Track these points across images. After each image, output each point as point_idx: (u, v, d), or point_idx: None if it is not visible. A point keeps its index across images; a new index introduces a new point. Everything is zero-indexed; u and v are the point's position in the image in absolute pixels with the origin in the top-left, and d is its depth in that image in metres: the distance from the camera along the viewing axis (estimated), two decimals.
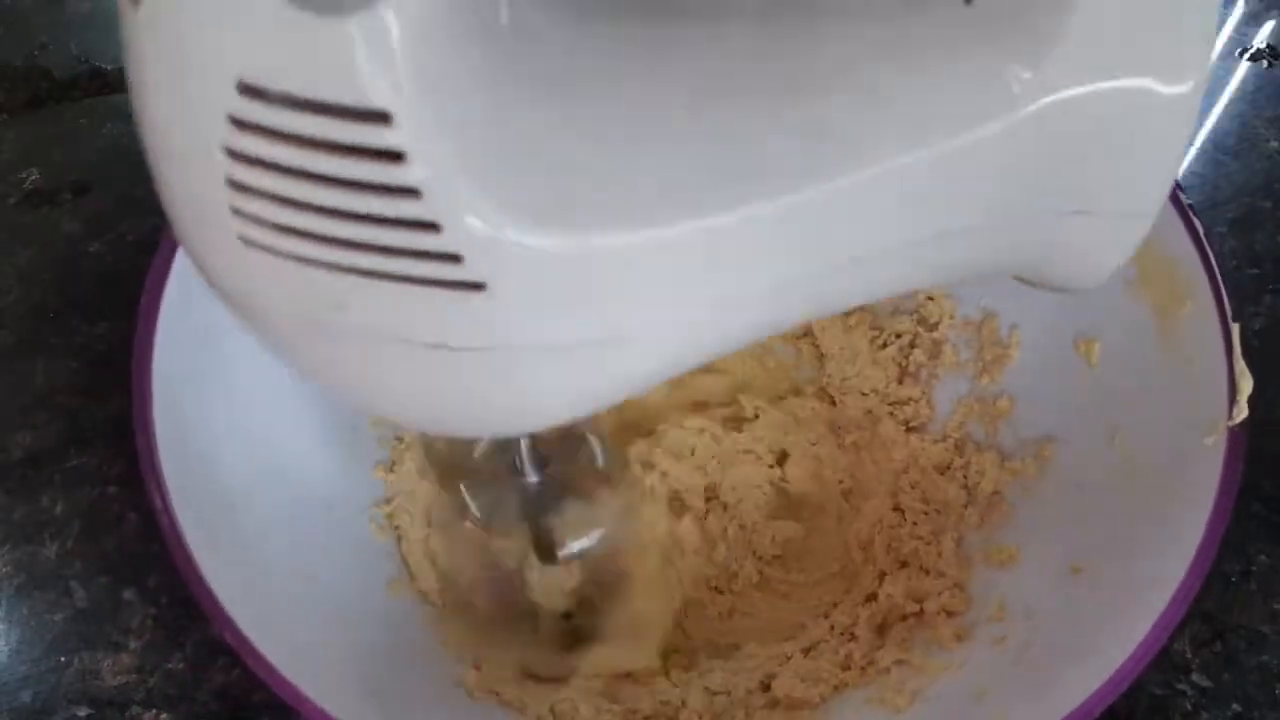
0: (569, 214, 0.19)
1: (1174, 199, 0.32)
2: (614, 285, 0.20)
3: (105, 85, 0.54)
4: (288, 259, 0.19)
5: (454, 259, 0.18)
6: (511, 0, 0.19)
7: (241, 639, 0.28)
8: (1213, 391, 0.31)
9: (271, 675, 0.28)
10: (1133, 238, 0.24)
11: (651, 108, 0.20)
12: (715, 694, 0.35)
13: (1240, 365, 0.31)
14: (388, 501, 0.39)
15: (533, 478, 0.34)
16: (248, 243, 0.19)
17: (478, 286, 0.19)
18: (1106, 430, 0.35)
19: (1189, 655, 0.38)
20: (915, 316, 0.42)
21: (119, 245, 0.48)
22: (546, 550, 0.36)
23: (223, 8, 0.17)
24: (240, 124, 0.17)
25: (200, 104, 0.18)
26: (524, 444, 0.33)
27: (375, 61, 0.17)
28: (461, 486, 0.36)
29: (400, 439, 0.40)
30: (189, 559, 0.29)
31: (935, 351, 0.41)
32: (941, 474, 0.40)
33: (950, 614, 0.36)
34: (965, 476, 0.39)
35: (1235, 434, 0.30)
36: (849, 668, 0.36)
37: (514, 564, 0.37)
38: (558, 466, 0.35)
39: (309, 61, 0.17)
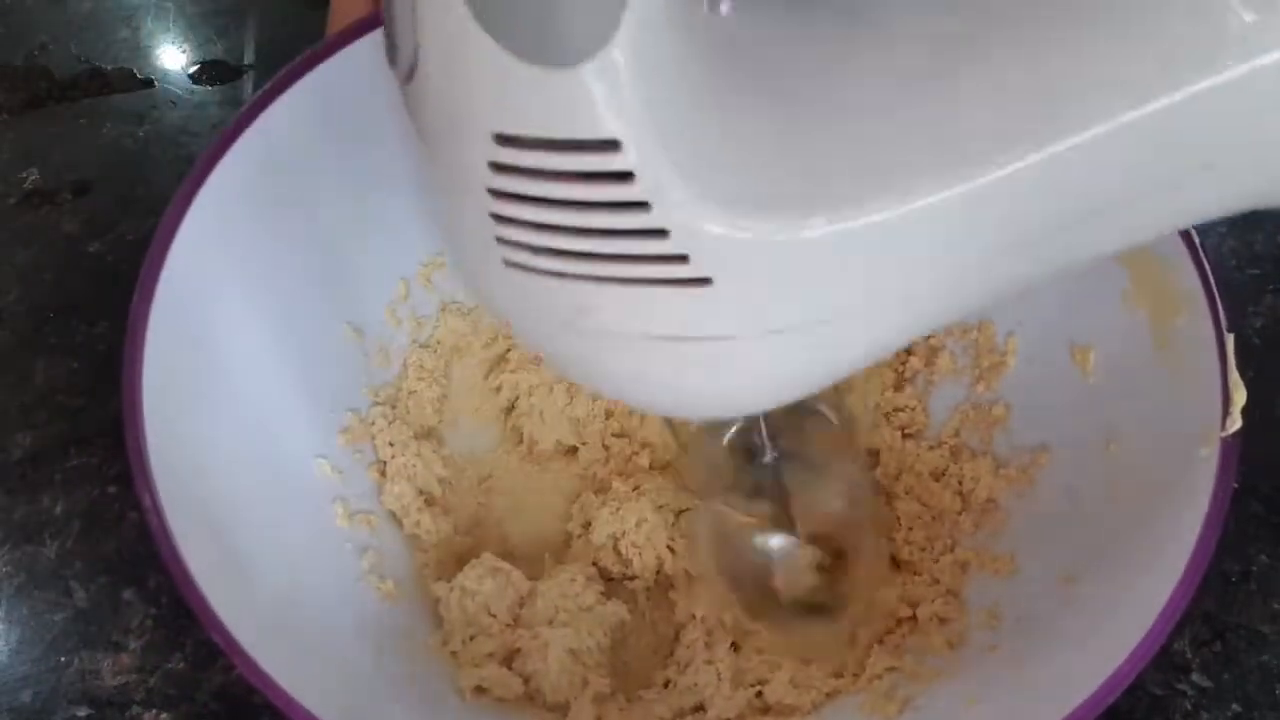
0: (781, 207, 0.21)
1: None
2: (829, 269, 0.22)
3: (105, 85, 0.54)
4: (541, 274, 0.22)
5: (681, 259, 0.21)
6: (715, 19, 0.21)
7: (232, 642, 0.28)
8: (1207, 402, 0.31)
9: (262, 679, 0.28)
10: None
11: (854, 95, 0.22)
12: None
13: (1234, 376, 0.31)
14: (382, 504, 0.39)
15: (769, 458, 0.36)
16: (509, 264, 0.22)
17: (704, 281, 0.21)
18: (1101, 439, 0.35)
19: (1189, 655, 0.38)
20: None
21: (119, 245, 0.48)
22: (788, 530, 0.38)
23: (475, 74, 0.20)
24: (498, 167, 0.21)
25: (465, 155, 0.21)
26: (760, 423, 0.35)
27: (600, 100, 0.19)
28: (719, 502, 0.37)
29: (392, 443, 0.40)
30: (179, 561, 0.29)
31: (931, 358, 0.41)
32: (936, 481, 0.40)
33: (943, 621, 0.36)
34: (960, 484, 0.39)
35: (1228, 444, 0.30)
36: (841, 675, 0.36)
37: (761, 549, 0.38)
38: (795, 441, 0.37)
39: (546, 108, 0.20)
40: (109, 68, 0.54)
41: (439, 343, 0.43)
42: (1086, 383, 0.36)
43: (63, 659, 0.38)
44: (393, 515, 0.39)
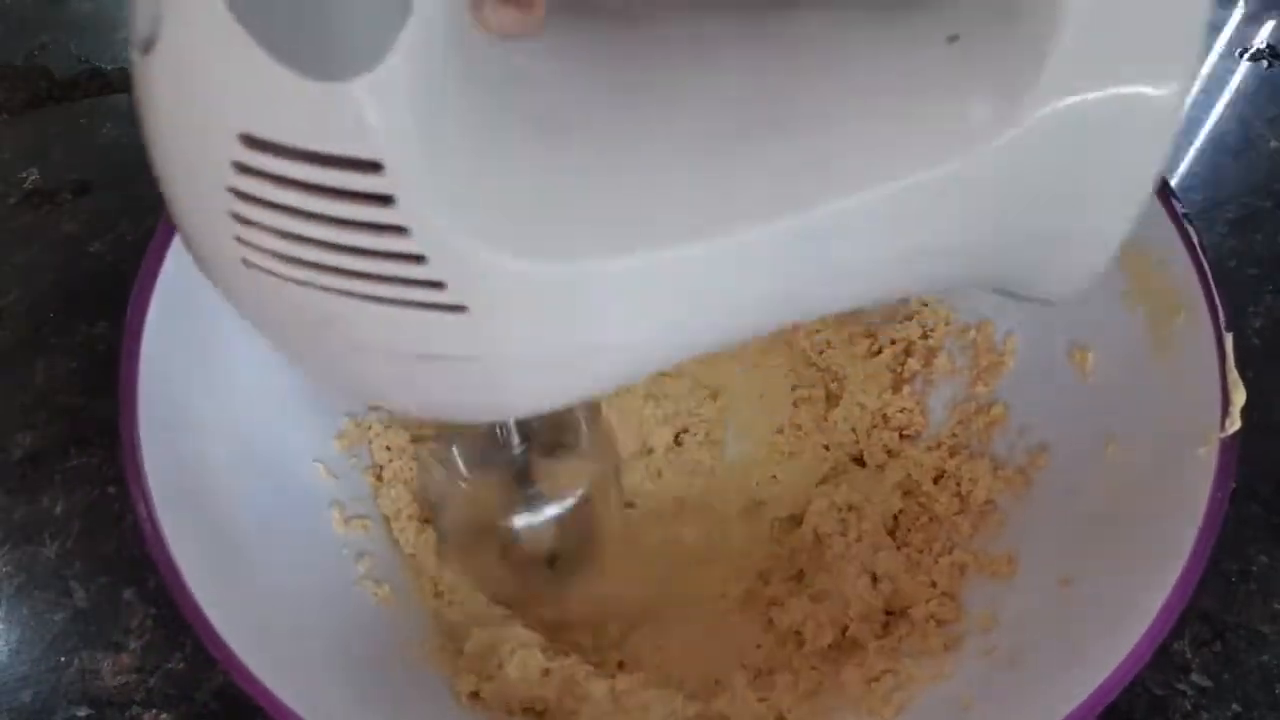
0: (545, 244, 0.21)
1: (1169, 207, 0.32)
2: (586, 306, 0.22)
3: (105, 85, 0.54)
4: (284, 280, 0.21)
5: (437, 285, 0.20)
6: (502, 51, 0.21)
7: (224, 649, 0.28)
8: (1205, 402, 0.31)
9: (254, 686, 0.28)
10: (1111, 248, 0.24)
11: (634, 146, 0.22)
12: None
13: (1233, 376, 0.31)
14: (379, 508, 0.39)
15: (516, 449, 0.36)
16: (249, 264, 0.21)
17: (459, 309, 0.21)
18: (1099, 440, 0.35)
19: (1189, 655, 0.38)
20: (911, 323, 0.42)
21: (119, 245, 0.48)
22: (529, 506, 0.38)
23: (226, 68, 0.18)
24: (243, 168, 0.19)
25: (205, 148, 0.19)
26: (510, 422, 0.35)
27: (369, 118, 0.18)
28: (453, 448, 0.38)
29: (389, 447, 0.40)
30: (172, 567, 0.29)
31: (930, 358, 0.41)
32: (934, 482, 0.40)
33: (940, 623, 0.36)
34: (958, 484, 0.39)
35: (1227, 445, 0.30)
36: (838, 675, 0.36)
37: (500, 518, 0.38)
38: (542, 436, 0.37)
39: (303, 119, 0.18)
40: (109, 68, 0.54)
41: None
42: (1085, 383, 0.36)
43: (63, 659, 0.38)
44: (387, 520, 0.39)
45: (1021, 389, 0.39)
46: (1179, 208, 0.32)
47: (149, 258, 0.32)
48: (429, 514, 0.40)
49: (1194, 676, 0.37)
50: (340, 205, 0.19)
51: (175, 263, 0.32)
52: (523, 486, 0.38)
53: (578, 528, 0.39)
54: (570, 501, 0.38)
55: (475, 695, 0.35)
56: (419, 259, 0.20)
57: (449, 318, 0.21)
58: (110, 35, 0.56)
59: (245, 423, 0.35)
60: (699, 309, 0.23)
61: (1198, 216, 0.32)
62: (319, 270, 0.20)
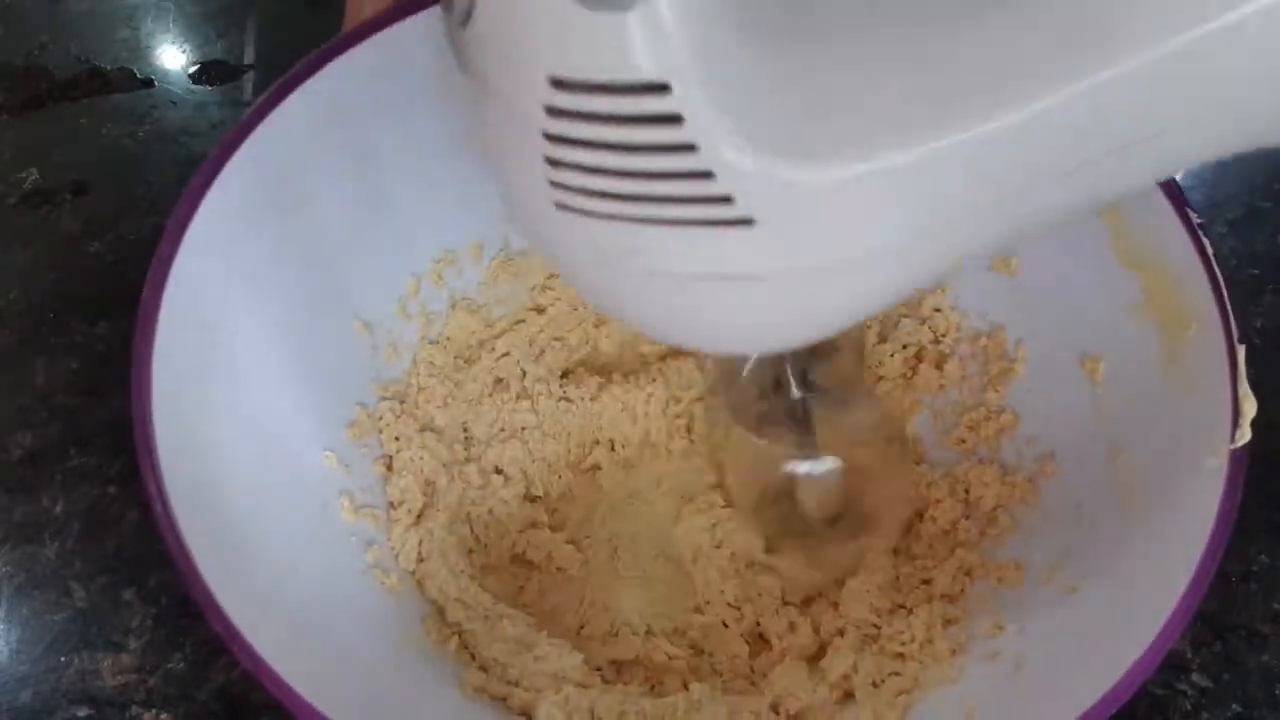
0: (823, 148, 0.22)
1: (1183, 218, 0.32)
2: (868, 208, 0.22)
3: (105, 85, 0.54)
4: (592, 217, 0.23)
5: (725, 200, 0.22)
6: None
7: (236, 636, 0.28)
8: (1216, 413, 0.31)
9: (263, 670, 0.28)
10: None
11: (889, 35, 0.22)
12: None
13: (1244, 388, 0.30)
14: (393, 505, 0.39)
15: (795, 393, 0.36)
16: (561, 207, 0.23)
17: (747, 222, 0.22)
18: (1109, 449, 0.34)
19: (1189, 655, 0.38)
20: (923, 328, 0.42)
21: (119, 245, 0.48)
22: (815, 459, 0.39)
23: (532, 19, 0.21)
24: (553, 111, 0.21)
25: (520, 98, 0.22)
26: (787, 362, 0.35)
27: (650, 44, 0.20)
28: (735, 404, 0.38)
29: (399, 437, 0.40)
30: (184, 550, 0.29)
31: (940, 364, 0.41)
32: (942, 487, 0.40)
33: (946, 626, 0.36)
34: (967, 491, 0.39)
35: (1237, 456, 0.30)
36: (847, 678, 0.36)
37: (779, 468, 0.39)
38: (821, 375, 0.37)
39: (599, 53, 0.20)
40: (109, 68, 0.54)
41: (449, 339, 0.43)
42: (1095, 392, 0.36)
43: (63, 659, 0.38)
44: (392, 507, 0.39)
45: (1032, 397, 0.39)
46: (1194, 218, 0.32)
47: (163, 246, 0.32)
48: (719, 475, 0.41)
49: (1194, 676, 0.37)
50: (636, 131, 0.21)
51: (188, 253, 0.32)
52: (802, 438, 0.38)
53: (862, 488, 0.39)
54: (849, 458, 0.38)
55: (481, 688, 0.35)
56: (707, 175, 0.21)
57: (739, 233, 0.22)
58: (110, 35, 0.56)
59: (256, 412, 0.35)
60: (980, 198, 0.23)
61: (1199, 216, 0.32)
62: (620, 200, 0.22)
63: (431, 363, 0.42)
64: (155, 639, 0.38)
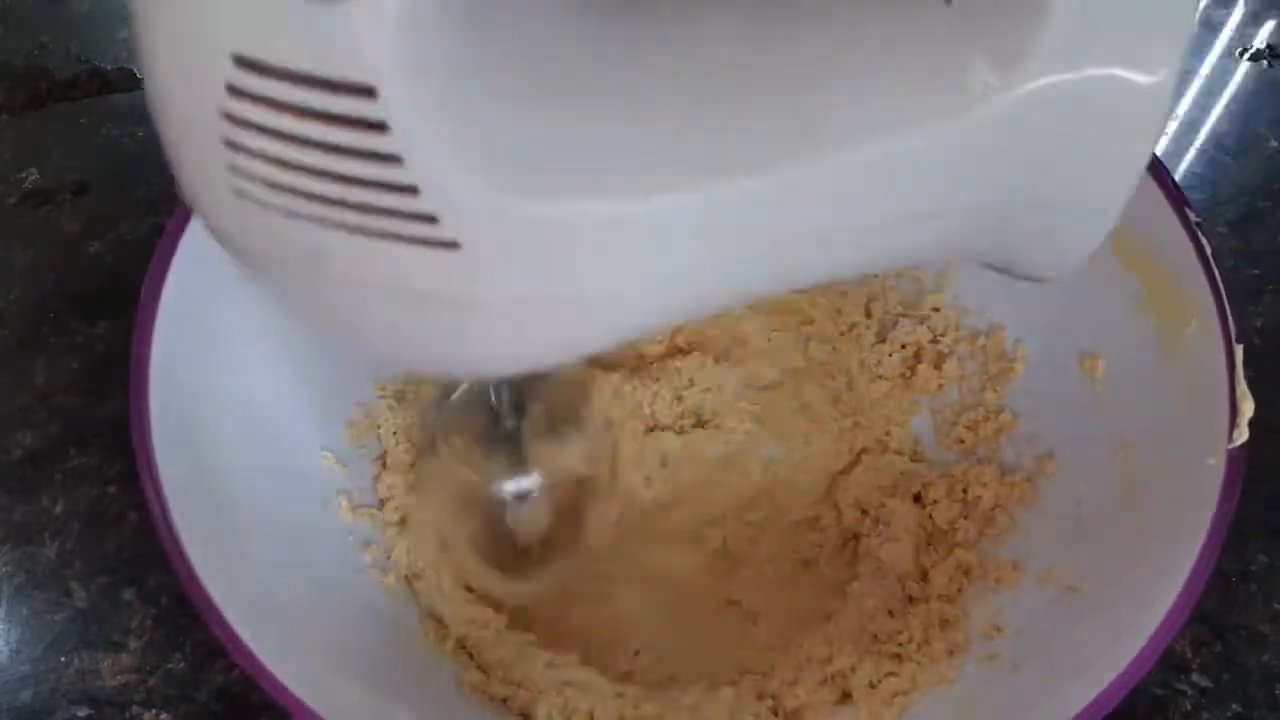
0: (539, 182, 0.20)
1: (1182, 218, 0.32)
2: (579, 249, 0.22)
3: (105, 85, 0.54)
4: (277, 211, 0.21)
5: (430, 219, 0.20)
6: None
7: (234, 638, 0.28)
8: (1214, 412, 0.31)
9: (263, 674, 0.28)
10: (1100, 230, 0.24)
11: (628, 88, 0.22)
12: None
13: (1242, 387, 0.31)
14: (382, 502, 0.39)
15: (509, 422, 0.36)
16: (240, 194, 0.21)
17: (452, 245, 0.20)
18: (1107, 448, 0.35)
19: (1189, 655, 0.38)
20: (922, 327, 0.42)
21: (119, 245, 0.48)
22: (522, 488, 0.38)
23: None
24: (236, 91, 0.19)
25: (199, 71, 0.19)
26: (503, 389, 0.34)
27: (361, 41, 0.18)
28: (448, 416, 0.37)
29: (395, 432, 0.40)
30: (182, 556, 0.29)
31: (939, 363, 0.41)
32: (941, 487, 0.40)
33: (943, 627, 0.36)
34: (965, 491, 0.39)
35: (1235, 455, 0.30)
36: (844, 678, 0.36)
37: (489, 496, 0.38)
38: (534, 408, 0.36)
39: (300, 40, 0.18)
40: (109, 68, 0.54)
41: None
42: (1094, 391, 0.36)
43: (63, 659, 0.38)
44: (381, 504, 0.39)
45: (1031, 396, 0.39)
46: (1192, 217, 0.32)
47: (162, 245, 0.32)
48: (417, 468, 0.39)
49: (1194, 676, 0.37)
50: (333, 131, 0.19)
51: (187, 252, 0.32)
52: (514, 465, 0.37)
53: (568, 515, 0.39)
54: (559, 485, 0.38)
55: (480, 688, 0.35)
56: (411, 190, 0.20)
57: (441, 254, 0.20)
58: (110, 35, 0.56)
59: (254, 411, 0.35)
60: (686, 264, 0.23)
61: (1197, 216, 0.32)
62: (310, 200, 0.20)
63: None
64: (155, 639, 0.38)
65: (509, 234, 0.21)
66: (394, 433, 0.40)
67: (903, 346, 0.42)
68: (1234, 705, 0.37)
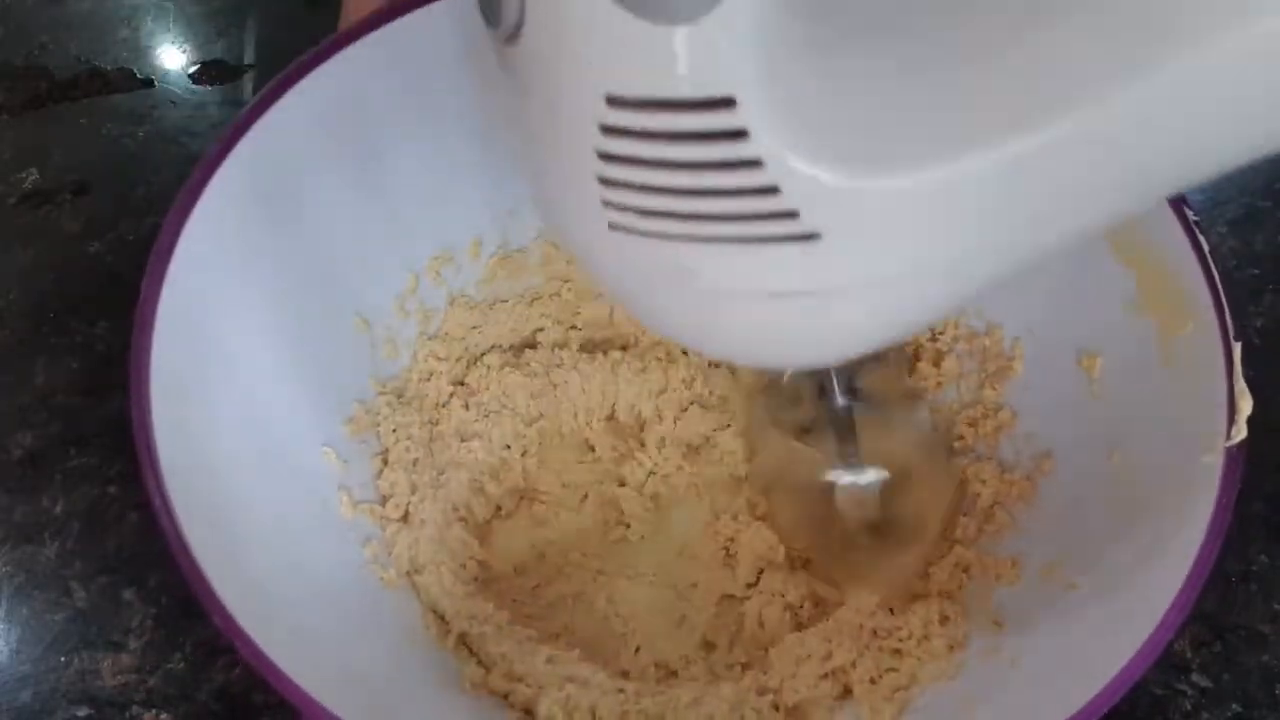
0: (888, 159, 0.21)
1: (1180, 215, 0.32)
2: (932, 218, 0.22)
3: (105, 85, 0.54)
4: (648, 237, 0.22)
5: (791, 215, 0.21)
6: None
7: (241, 635, 0.28)
8: (1212, 410, 0.31)
9: (264, 664, 0.28)
10: None
11: (956, 42, 0.22)
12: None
13: (1240, 385, 0.31)
14: (384, 499, 0.39)
15: (840, 400, 0.36)
16: (614, 227, 0.22)
17: (812, 236, 0.21)
18: (1106, 446, 0.34)
19: (1189, 655, 0.38)
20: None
21: (119, 245, 0.48)
22: (856, 467, 0.39)
23: (590, 34, 0.20)
24: (609, 130, 0.21)
25: (574, 118, 0.21)
26: (833, 370, 0.35)
27: (717, 56, 0.19)
28: (777, 404, 0.39)
29: (396, 429, 0.40)
30: (186, 552, 0.29)
31: (938, 361, 0.41)
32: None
33: (944, 622, 0.36)
34: (964, 487, 0.39)
35: (1233, 454, 0.30)
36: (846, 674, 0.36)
37: (820, 475, 0.39)
38: (866, 384, 0.37)
39: (660, 68, 0.20)
40: (109, 68, 0.54)
41: (447, 334, 0.43)
42: (1093, 389, 0.36)
43: (63, 659, 0.38)
44: (383, 500, 0.39)
45: (1029, 395, 0.39)
46: (1190, 215, 0.32)
47: (160, 244, 0.32)
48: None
49: (1194, 676, 0.37)
50: (698, 148, 0.20)
51: (186, 250, 0.32)
52: (844, 446, 0.37)
53: (906, 499, 0.39)
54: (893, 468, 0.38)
55: (482, 684, 0.35)
56: (772, 190, 0.21)
57: (803, 249, 0.21)
58: (110, 35, 0.56)
59: (255, 408, 0.35)
60: (1009, 222, 0.23)
61: (1197, 216, 0.32)
62: (679, 219, 0.22)
63: (433, 355, 0.42)
64: (155, 639, 0.38)
65: (864, 215, 0.21)
66: (394, 430, 0.40)
67: (901, 345, 0.42)
68: (1234, 705, 0.37)
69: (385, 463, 0.40)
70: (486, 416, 0.42)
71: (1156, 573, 0.30)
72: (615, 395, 0.43)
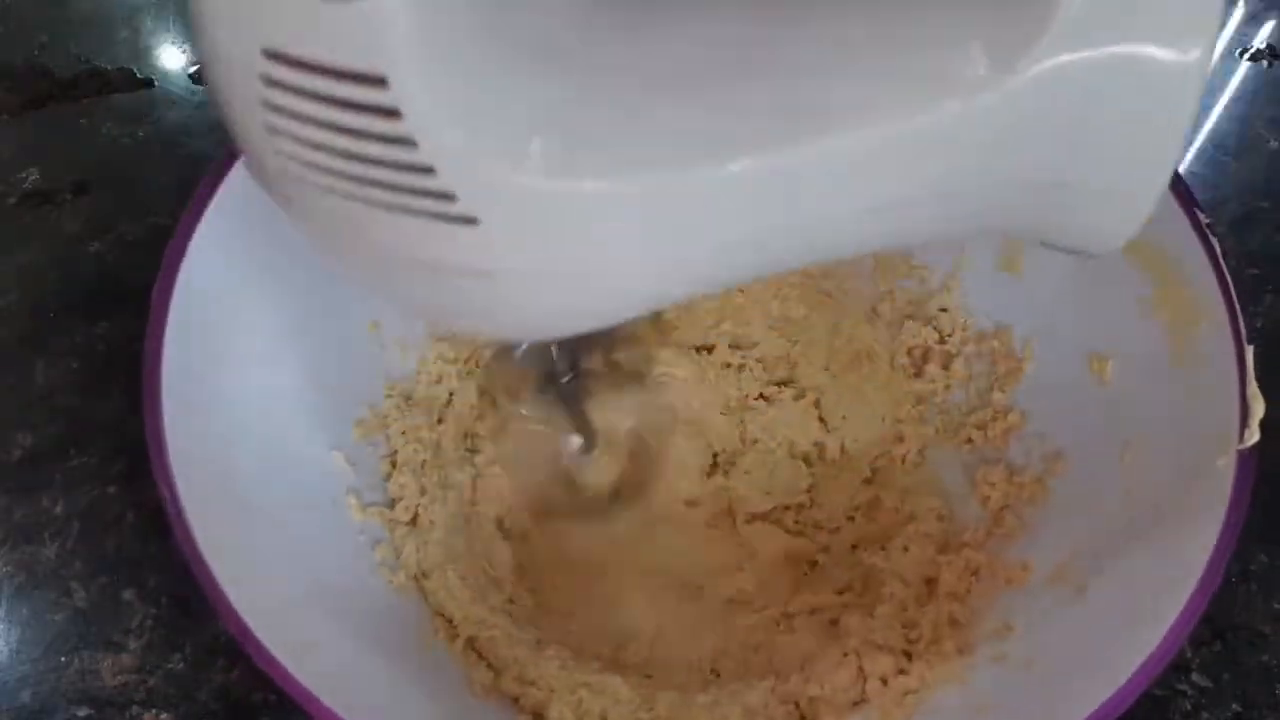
0: (548, 159, 0.22)
1: (1192, 218, 0.32)
2: (588, 225, 0.23)
3: (105, 85, 0.54)
4: (315, 188, 0.22)
5: (447, 197, 0.21)
6: None
7: (248, 634, 0.28)
8: (1224, 413, 0.31)
9: (275, 669, 0.28)
10: (1135, 215, 0.24)
11: (634, 68, 0.23)
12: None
13: (1253, 387, 0.30)
14: (394, 501, 0.39)
15: (564, 376, 0.37)
16: (285, 174, 0.23)
17: (470, 220, 0.22)
18: (1117, 448, 0.34)
19: (1189, 655, 0.38)
20: (928, 328, 0.42)
21: (119, 245, 0.48)
22: (586, 439, 0.40)
23: None
24: (270, 81, 0.21)
25: (240, 64, 0.21)
26: (559, 346, 0.36)
27: (371, 34, 0.20)
28: (503, 372, 0.39)
29: (404, 432, 0.40)
30: (198, 556, 0.29)
31: (946, 363, 0.41)
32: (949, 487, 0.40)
33: (953, 626, 0.36)
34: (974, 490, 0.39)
35: (1245, 456, 0.30)
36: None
37: (557, 453, 0.40)
38: (592, 361, 0.38)
39: (319, 35, 0.20)
40: (109, 68, 0.54)
41: (456, 336, 0.43)
42: (1103, 391, 0.36)
43: (63, 659, 0.38)
44: (392, 503, 0.39)
45: (1039, 396, 0.39)
46: (1202, 218, 0.32)
47: (171, 248, 0.32)
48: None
49: (1194, 676, 0.37)
50: (353, 117, 0.21)
51: (197, 252, 0.33)
52: (573, 417, 0.38)
53: (638, 464, 0.40)
54: (622, 434, 0.39)
55: (491, 687, 0.35)
56: (428, 170, 0.21)
57: (461, 229, 0.22)
58: (110, 35, 0.56)
59: (265, 411, 0.35)
60: (688, 240, 0.23)
61: (1208, 218, 0.32)
62: (342, 179, 0.22)
63: (442, 358, 0.42)
64: (155, 639, 0.38)
65: (523, 210, 0.22)
66: (403, 432, 0.40)
67: (910, 349, 0.42)
68: (1234, 705, 0.37)
69: (394, 465, 0.40)
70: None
71: (1168, 576, 0.29)
72: None
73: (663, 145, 0.22)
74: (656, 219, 0.23)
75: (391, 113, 0.20)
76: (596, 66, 0.22)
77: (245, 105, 0.22)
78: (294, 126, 0.21)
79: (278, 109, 0.21)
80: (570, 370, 0.37)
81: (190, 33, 0.23)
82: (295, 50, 0.20)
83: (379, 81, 0.20)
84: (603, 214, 0.22)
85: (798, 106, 0.22)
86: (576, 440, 0.39)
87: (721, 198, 0.22)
